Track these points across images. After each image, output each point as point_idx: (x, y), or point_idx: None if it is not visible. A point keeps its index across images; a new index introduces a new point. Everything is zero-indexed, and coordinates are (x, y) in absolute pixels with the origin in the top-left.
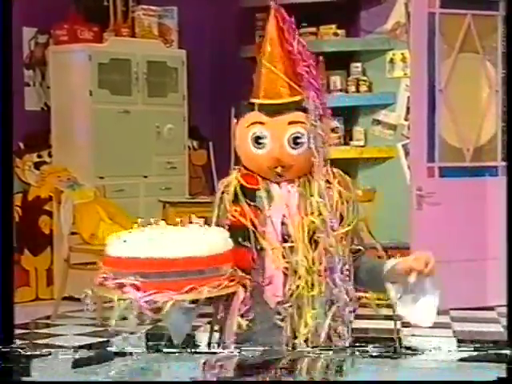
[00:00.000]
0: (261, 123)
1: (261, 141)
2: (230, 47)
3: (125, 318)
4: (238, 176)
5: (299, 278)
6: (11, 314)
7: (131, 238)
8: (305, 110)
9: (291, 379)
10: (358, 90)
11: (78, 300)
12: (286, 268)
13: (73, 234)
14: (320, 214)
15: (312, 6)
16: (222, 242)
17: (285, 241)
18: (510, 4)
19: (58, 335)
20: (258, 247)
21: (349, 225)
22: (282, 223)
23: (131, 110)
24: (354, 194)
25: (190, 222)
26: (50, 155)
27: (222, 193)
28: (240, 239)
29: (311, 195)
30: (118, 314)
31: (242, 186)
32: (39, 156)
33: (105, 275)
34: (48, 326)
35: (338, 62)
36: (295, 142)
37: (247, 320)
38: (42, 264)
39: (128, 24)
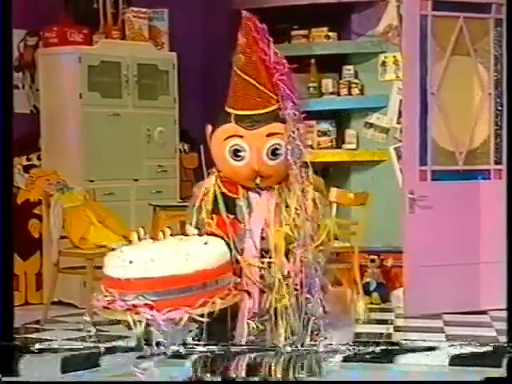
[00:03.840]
0: (239, 136)
1: (239, 154)
2: (220, 49)
3: (147, 340)
4: (218, 182)
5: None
6: (11, 316)
7: (136, 258)
8: (282, 121)
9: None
10: (350, 93)
11: (68, 304)
12: (261, 283)
13: (62, 237)
14: (296, 225)
15: (304, 8)
16: (224, 251)
17: (262, 255)
18: (510, 6)
19: (48, 340)
20: (235, 260)
21: (327, 234)
22: (262, 238)
23: (121, 113)
24: (326, 197)
25: (182, 234)
26: (39, 158)
27: (201, 200)
28: None
29: (286, 206)
30: (138, 334)
31: (221, 193)
32: (28, 159)
33: (110, 297)
34: (37, 330)
35: (330, 64)
36: (274, 153)
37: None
38: (31, 268)
39: (118, 26)
